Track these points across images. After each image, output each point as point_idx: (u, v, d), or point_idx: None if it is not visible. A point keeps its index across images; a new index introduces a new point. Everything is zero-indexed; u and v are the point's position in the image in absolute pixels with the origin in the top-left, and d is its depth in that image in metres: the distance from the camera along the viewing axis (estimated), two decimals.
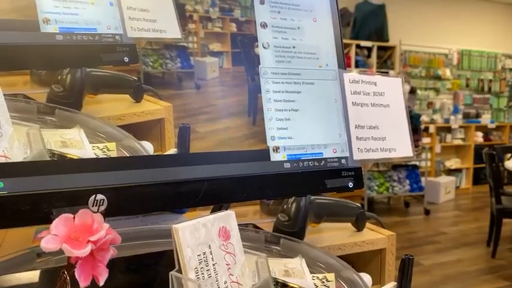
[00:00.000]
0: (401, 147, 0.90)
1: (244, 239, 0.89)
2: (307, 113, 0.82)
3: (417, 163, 5.76)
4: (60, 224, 0.49)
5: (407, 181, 5.55)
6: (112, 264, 0.76)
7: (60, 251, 0.49)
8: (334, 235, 1.21)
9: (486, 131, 7.40)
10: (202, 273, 0.56)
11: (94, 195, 0.61)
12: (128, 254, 0.80)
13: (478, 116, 7.39)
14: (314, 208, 1.13)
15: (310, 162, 0.81)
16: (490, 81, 7.61)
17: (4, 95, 0.61)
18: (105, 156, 0.67)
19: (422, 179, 5.67)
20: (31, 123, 0.65)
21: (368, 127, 0.87)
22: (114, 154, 0.68)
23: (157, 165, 0.69)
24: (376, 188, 5.40)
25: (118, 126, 0.70)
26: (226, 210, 0.67)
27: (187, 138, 0.74)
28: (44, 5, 0.67)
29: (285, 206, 1.09)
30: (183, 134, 0.74)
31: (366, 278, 0.85)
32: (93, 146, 0.68)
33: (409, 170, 5.64)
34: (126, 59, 0.72)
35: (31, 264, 0.78)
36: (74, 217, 0.51)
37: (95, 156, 0.66)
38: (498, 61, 7.62)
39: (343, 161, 0.85)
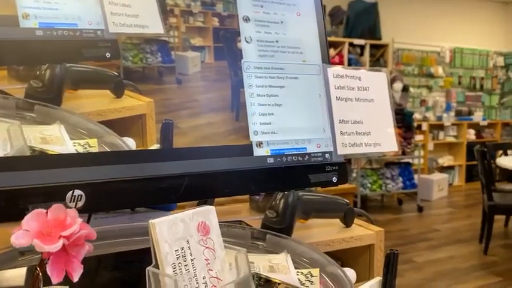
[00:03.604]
0: (386, 142, 0.90)
1: (230, 235, 0.89)
2: (290, 108, 0.82)
3: (410, 160, 5.78)
4: (32, 219, 0.48)
5: (400, 178, 5.57)
6: (99, 261, 0.76)
7: None
8: (323, 231, 1.21)
9: (478, 129, 7.44)
10: (180, 269, 0.55)
11: (71, 191, 0.60)
12: (114, 251, 0.79)
13: (470, 113, 7.43)
14: (302, 204, 1.13)
15: (293, 157, 0.81)
16: (482, 78, 7.65)
17: None
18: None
19: (415, 176, 5.69)
20: (10, 119, 0.64)
21: (352, 122, 0.87)
22: (95, 151, 0.67)
23: (136, 160, 0.68)
24: (369, 185, 5.41)
25: (99, 122, 0.70)
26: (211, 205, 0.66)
27: (170, 134, 0.73)
28: (24, 0, 0.66)
29: (273, 202, 1.09)
30: (165, 130, 0.73)
31: (350, 272, 0.85)
32: (74, 143, 0.67)
33: (402, 167, 5.65)
34: (108, 55, 0.71)
35: (13, 262, 0.77)
36: (47, 212, 0.51)
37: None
38: (490, 59, 7.66)
39: (327, 155, 0.85)
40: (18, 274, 0.75)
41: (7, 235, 0.81)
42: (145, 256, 0.81)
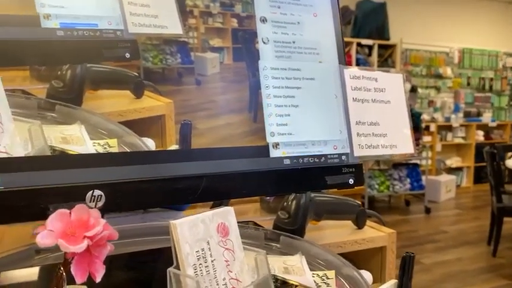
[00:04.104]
0: (402, 144, 0.90)
1: (244, 236, 0.89)
2: (307, 109, 0.82)
3: (418, 161, 5.75)
4: (56, 220, 0.49)
5: (408, 179, 5.54)
6: (111, 261, 0.76)
7: (59, 248, 0.49)
8: (335, 233, 1.21)
9: (487, 130, 7.39)
10: (201, 270, 0.56)
11: (91, 191, 0.61)
12: (127, 251, 0.79)
13: (479, 114, 7.38)
14: (314, 205, 1.13)
15: (310, 159, 0.81)
16: (491, 79, 7.59)
17: (4, 90, 0.60)
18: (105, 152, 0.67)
19: (423, 177, 5.66)
20: (32, 119, 0.65)
21: (369, 123, 0.87)
22: (115, 151, 0.68)
23: (155, 160, 0.68)
24: (377, 186, 5.39)
25: (119, 122, 0.70)
26: (226, 206, 0.66)
27: (189, 135, 0.73)
28: (45, 0, 0.66)
29: (285, 203, 1.09)
30: (184, 131, 0.73)
31: (366, 275, 0.84)
32: (94, 143, 0.67)
33: (410, 168, 5.63)
34: (127, 55, 0.72)
35: (30, 261, 0.77)
36: (70, 212, 0.51)
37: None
38: (499, 59, 7.60)
39: (343, 157, 0.84)
40: (35, 272, 0.76)
41: (24, 233, 0.82)
42: (159, 256, 0.82)
